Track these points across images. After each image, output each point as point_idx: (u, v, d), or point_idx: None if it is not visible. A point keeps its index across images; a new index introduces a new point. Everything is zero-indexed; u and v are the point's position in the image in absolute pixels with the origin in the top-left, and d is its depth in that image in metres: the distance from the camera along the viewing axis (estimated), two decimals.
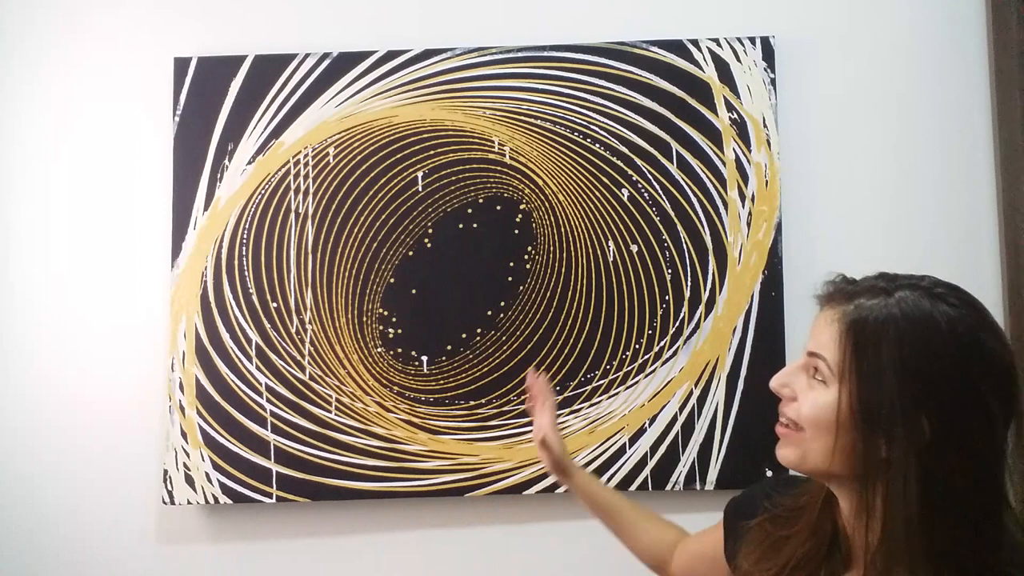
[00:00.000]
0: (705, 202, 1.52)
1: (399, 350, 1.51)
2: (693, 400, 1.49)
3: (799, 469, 0.83)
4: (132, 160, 1.58)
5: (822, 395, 0.80)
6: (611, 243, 1.52)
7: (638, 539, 1.13)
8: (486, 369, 1.50)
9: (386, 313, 1.51)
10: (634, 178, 1.52)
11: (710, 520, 1.02)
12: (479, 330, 1.51)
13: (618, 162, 1.53)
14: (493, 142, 1.54)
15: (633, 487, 1.47)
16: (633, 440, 1.48)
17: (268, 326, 1.51)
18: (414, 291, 1.52)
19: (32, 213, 1.58)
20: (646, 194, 1.52)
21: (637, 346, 1.50)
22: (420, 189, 1.53)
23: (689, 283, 1.50)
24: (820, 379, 0.81)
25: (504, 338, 1.50)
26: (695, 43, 1.54)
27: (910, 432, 0.73)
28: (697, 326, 1.49)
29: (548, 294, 1.51)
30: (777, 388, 0.85)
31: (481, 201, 1.53)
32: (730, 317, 1.49)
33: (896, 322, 0.76)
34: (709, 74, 1.53)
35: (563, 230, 1.52)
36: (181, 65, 1.56)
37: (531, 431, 1.48)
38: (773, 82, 1.52)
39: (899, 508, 0.73)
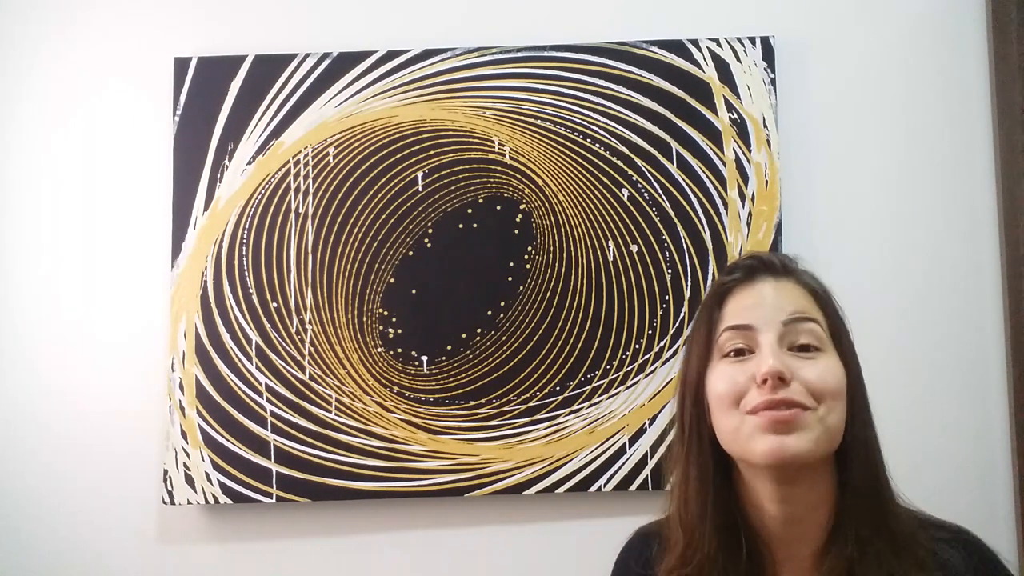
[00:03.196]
0: (705, 202, 1.52)
1: (399, 350, 1.51)
2: None
3: (812, 456, 0.75)
4: (132, 160, 1.58)
5: (832, 361, 0.78)
6: (611, 243, 1.52)
7: None
8: (486, 369, 1.50)
9: (386, 313, 1.51)
10: (634, 178, 1.53)
11: None
12: (479, 330, 1.51)
13: (618, 162, 1.53)
14: (493, 142, 1.54)
15: (633, 487, 1.47)
16: (633, 440, 1.48)
17: (268, 326, 1.51)
18: (414, 291, 1.52)
19: (31, 213, 1.58)
20: (646, 194, 1.52)
21: (637, 346, 1.50)
22: (420, 189, 1.53)
23: (689, 283, 1.50)
24: (816, 346, 0.78)
25: (504, 338, 1.50)
26: (695, 43, 1.54)
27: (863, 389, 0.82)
28: (695, 316, 1.49)
29: (548, 294, 1.51)
30: (781, 370, 0.75)
31: (481, 201, 1.53)
32: None
33: (829, 291, 0.85)
34: (709, 74, 1.53)
35: (563, 230, 1.52)
36: (181, 65, 1.56)
37: (531, 430, 1.48)
38: (773, 82, 1.52)
39: (878, 459, 0.81)
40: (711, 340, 0.82)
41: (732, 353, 0.80)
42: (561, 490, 1.47)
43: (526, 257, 1.52)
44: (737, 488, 0.82)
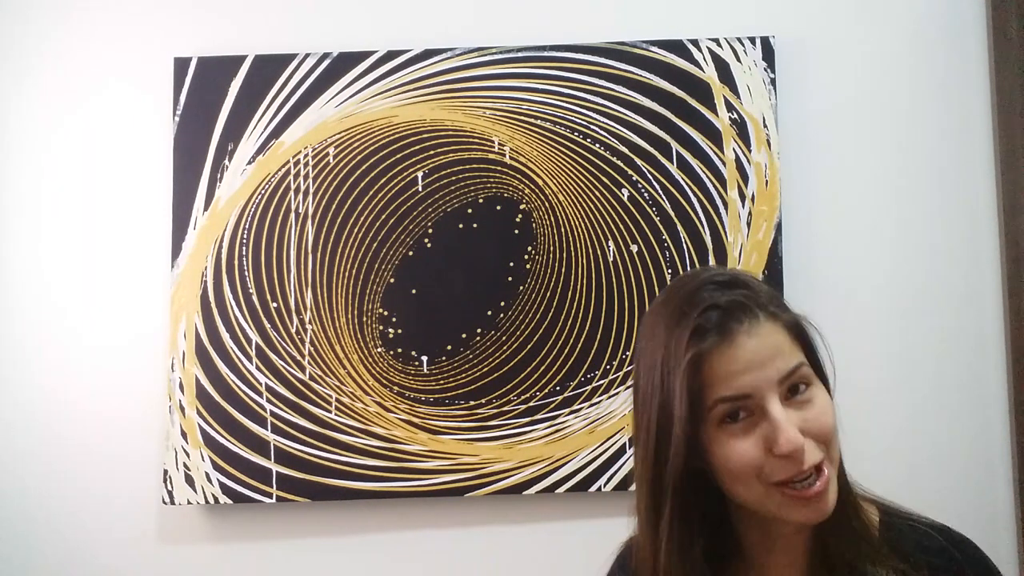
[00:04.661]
0: (705, 202, 1.52)
1: (399, 350, 1.51)
2: None
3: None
4: (132, 160, 1.58)
5: (822, 395, 0.77)
6: (611, 243, 1.52)
7: None
8: (486, 369, 1.50)
9: (386, 313, 1.51)
10: (634, 178, 1.52)
11: None
12: (479, 330, 1.50)
13: (618, 162, 1.53)
14: (493, 142, 1.54)
15: (633, 487, 1.47)
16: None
17: (268, 326, 1.51)
18: (414, 291, 1.52)
19: (32, 213, 1.58)
20: (646, 194, 1.52)
21: None
22: (420, 189, 1.53)
23: None
24: (804, 386, 0.76)
25: (504, 338, 1.50)
26: (695, 43, 1.54)
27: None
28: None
29: (548, 294, 1.51)
30: (804, 445, 0.73)
31: (481, 201, 1.53)
32: None
33: (795, 313, 0.81)
34: (709, 74, 1.53)
35: (563, 230, 1.52)
36: (181, 65, 1.56)
37: (531, 430, 1.48)
38: (773, 82, 1.52)
39: (842, 471, 0.79)
40: (699, 410, 0.76)
41: (728, 419, 0.76)
42: (561, 490, 1.47)
43: (526, 257, 1.52)
44: (723, 520, 0.82)
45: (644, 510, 0.81)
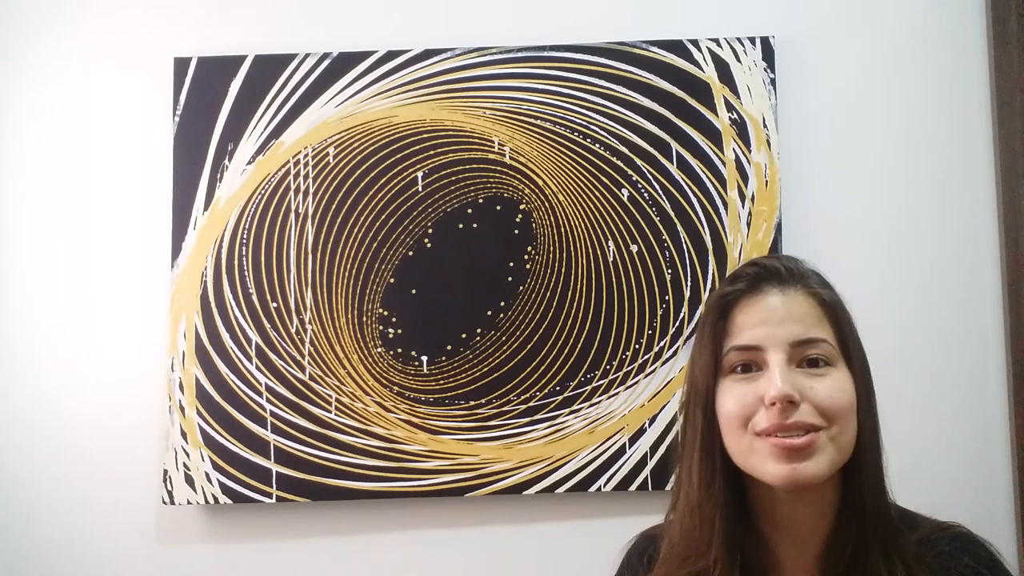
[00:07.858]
0: (705, 202, 1.52)
1: (399, 350, 1.51)
2: None
3: (825, 477, 0.75)
4: (132, 160, 1.58)
5: (841, 376, 0.77)
6: (611, 243, 1.52)
7: None
8: (486, 369, 1.50)
9: (386, 313, 1.51)
10: (634, 178, 1.53)
11: None
12: (479, 330, 1.50)
13: (618, 162, 1.53)
14: (493, 142, 1.54)
15: (633, 487, 1.47)
16: (633, 440, 1.48)
17: (268, 326, 1.51)
18: (414, 291, 1.52)
19: (31, 213, 1.58)
20: (646, 194, 1.52)
21: (637, 346, 1.50)
22: (420, 189, 1.53)
23: (689, 283, 1.50)
24: (824, 362, 0.77)
25: (504, 338, 1.50)
26: (695, 43, 1.54)
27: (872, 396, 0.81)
28: (697, 326, 1.49)
29: (548, 294, 1.51)
30: (791, 394, 0.74)
31: (481, 201, 1.53)
32: None
33: (840, 298, 0.83)
34: (709, 74, 1.53)
35: (563, 230, 1.52)
36: (181, 65, 1.56)
37: (531, 430, 1.48)
38: (773, 82, 1.52)
39: (881, 471, 0.81)
40: (717, 354, 0.80)
41: (739, 368, 0.79)
42: (561, 490, 1.47)
43: (526, 257, 1.52)
44: (746, 494, 0.82)
45: (694, 469, 0.81)
